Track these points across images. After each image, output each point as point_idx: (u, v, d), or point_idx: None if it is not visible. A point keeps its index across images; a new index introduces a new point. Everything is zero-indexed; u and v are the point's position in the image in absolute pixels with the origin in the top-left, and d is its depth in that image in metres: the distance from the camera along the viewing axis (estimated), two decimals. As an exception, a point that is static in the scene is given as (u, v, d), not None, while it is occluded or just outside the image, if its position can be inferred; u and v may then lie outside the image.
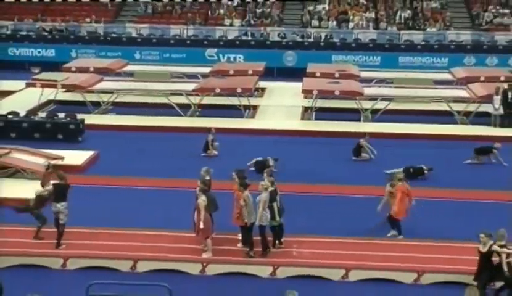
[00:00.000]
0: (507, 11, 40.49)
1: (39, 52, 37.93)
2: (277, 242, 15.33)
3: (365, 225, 16.69)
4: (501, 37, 38.62)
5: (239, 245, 15.35)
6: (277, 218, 15.06)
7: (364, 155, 22.10)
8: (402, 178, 16.75)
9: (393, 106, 27.23)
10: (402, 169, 19.18)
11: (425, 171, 20.60)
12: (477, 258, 13.37)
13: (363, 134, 22.61)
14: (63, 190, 15.11)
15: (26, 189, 17.39)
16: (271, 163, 20.32)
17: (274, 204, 15.02)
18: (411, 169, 20.16)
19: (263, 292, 12.31)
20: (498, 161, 21.87)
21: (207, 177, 16.09)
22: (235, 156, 21.70)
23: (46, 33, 39.53)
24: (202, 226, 14.49)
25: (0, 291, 9.73)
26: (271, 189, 15.09)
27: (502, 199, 18.91)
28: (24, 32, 39.49)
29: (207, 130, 22.80)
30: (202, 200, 14.64)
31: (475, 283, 13.29)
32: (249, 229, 14.99)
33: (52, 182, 15.63)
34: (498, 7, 40.81)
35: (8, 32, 39.67)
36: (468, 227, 15.67)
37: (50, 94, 28.31)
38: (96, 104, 28.04)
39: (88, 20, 40.54)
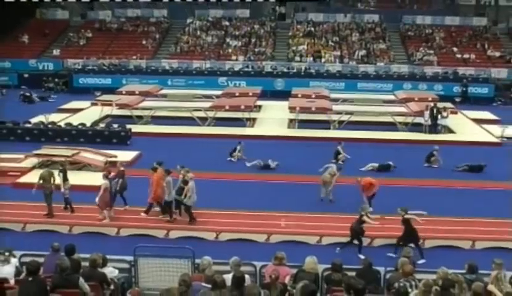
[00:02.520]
0: (432, 51, 40.59)
1: (100, 81, 37.78)
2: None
3: (334, 204, 16.68)
4: (428, 70, 38.54)
5: (142, 214, 15.42)
6: (182, 197, 15.01)
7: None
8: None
9: (353, 118, 27.15)
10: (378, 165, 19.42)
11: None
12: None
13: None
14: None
15: (91, 178, 17.42)
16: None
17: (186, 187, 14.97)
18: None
19: (261, 253, 12.24)
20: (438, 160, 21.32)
21: (121, 168, 16.27)
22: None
23: (105, 67, 39.47)
24: (97, 200, 14.84)
25: (73, 250, 9.69)
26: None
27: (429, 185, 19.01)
28: (90, 67, 39.41)
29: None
30: (104, 183, 14.92)
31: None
32: (166, 204, 15.14)
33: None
34: (426, 49, 40.89)
35: (79, 67, 39.58)
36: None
37: (107, 110, 28.30)
38: (140, 117, 27.97)
39: (134, 57, 40.45)
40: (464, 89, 36.15)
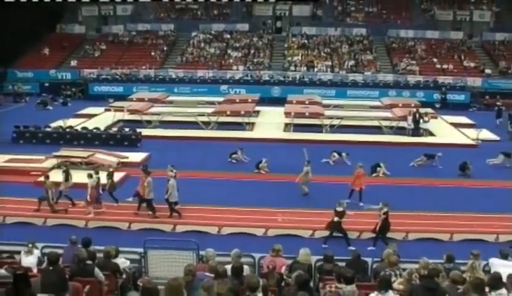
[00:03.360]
0: (414, 62, 40.59)
1: (113, 89, 37.74)
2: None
3: (327, 201, 16.66)
4: (411, 78, 38.56)
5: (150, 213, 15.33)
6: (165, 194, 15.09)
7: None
8: (362, 166, 16.96)
9: (343, 123, 27.15)
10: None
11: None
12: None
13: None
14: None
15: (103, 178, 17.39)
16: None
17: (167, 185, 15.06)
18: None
19: (259, 245, 12.23)
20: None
21: (110, 169, 16.58)
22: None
23: (117, 76, 39.43)
24: (89, 198, 15.04)
25: (89, 243, 9.73)
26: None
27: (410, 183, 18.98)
28: (104, 76, 39.37)
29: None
30: (91, 181, 15.08)
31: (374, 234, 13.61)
32: (150, 201, 15.06)
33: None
34: (408, 59, 40.91)
35: (94, 76, 39.54)
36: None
37: (120, 115, 28.27)
38: (149, 122, 27.96)
39: (144, 67, 40.45)
40: (443, 96, 36.31)
